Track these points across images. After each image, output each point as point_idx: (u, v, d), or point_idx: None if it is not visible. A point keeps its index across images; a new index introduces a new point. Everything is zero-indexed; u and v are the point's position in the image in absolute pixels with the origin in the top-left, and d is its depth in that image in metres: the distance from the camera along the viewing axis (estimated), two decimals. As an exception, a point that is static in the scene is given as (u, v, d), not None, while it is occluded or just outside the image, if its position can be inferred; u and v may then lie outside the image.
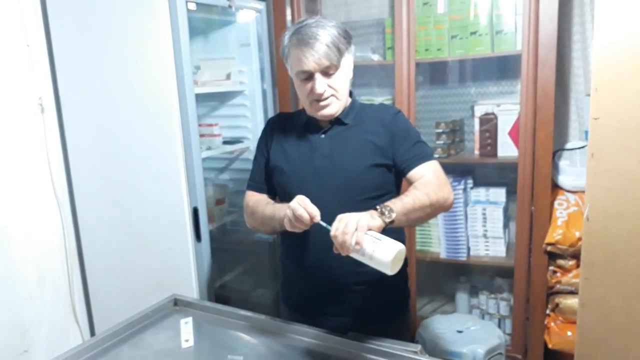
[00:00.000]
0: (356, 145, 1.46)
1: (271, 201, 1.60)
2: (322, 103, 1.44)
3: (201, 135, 2.28)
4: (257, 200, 1.59)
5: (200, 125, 2.31)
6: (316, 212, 1.28)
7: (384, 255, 1.14)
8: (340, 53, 1.41)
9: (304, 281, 1.54)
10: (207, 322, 1.57)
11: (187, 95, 1.87)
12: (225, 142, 2.35)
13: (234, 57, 2.38)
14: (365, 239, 1.16)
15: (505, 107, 2.32)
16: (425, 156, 1.45)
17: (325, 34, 1.38)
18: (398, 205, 1.27)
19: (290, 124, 1.59)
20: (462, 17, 2.31)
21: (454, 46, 2.34)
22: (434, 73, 2.60)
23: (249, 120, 2.43)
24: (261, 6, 2.35)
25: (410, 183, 1.44)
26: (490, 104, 2.38)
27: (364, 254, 1.17)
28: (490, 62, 2.46)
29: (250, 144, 2.42)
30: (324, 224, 1.26)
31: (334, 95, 1.44)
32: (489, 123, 2.33)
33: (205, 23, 2.38)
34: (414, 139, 1.47)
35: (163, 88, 1.86)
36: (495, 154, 2.32)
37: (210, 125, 2.33)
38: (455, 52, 2.34)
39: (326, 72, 1.41)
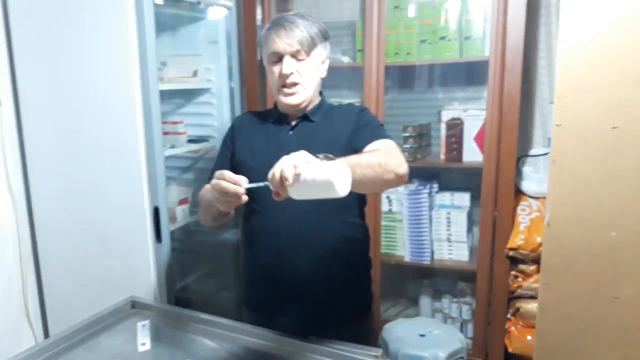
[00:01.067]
0: (323, 142, 1.45)
1: None
2: (288, 90, 1.46)
3: (165, 133, 2.23)
4: (204, 190, 1.56)
5: (164, 122, 2.25)
6: (239, 178, 1.18)
7: (327, 173, 1.04)
8: (313, 42, 1.45)
9: (264, 281, 1.51)
10: (165, 326, 1.52)
11: (151, 92, 1.82)
12: (190, 141, 2.31)
13: (201, 55, 2.34)
14: (304, 168, 1.06)
15: (472, 112, 2.35)
16: (382, 135, 1.42)
17: (302, 22, 1.44)
18: (341, 158, 1.18)
19: (259, 121, 1.59)
20: (432, 22, 2.32)
21: (423, 50, 2.35)
22: (403, 77, 2.61)
23: (215, 119, 2.39)
24: (231, 3, 2.32)
25: None
26: (457, 109, 2.40)
27: (305, 183, 1.05)
28: (458, 67, 2.49)
29: (216, 143, 2.38)
30: (255, 184, 1.17)
31: (300, 83, 1.46)
32: (455, 128, 2.35)
33: (173, 18, 2.34)
34: (374, 125, 1.47)
35: (126, 83, 1.81)
36: (460, 159, 2.34)
37: (175, 122, 2.28)
38: (424, 57, 2.35)
39: (295, 57, 1.44)
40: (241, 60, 2.45)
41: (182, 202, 2.22)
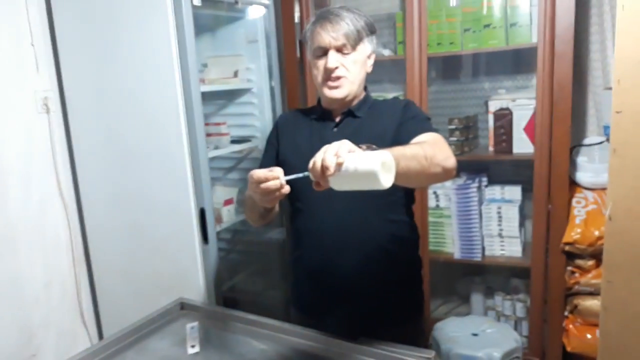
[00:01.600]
0: (368, 138, 1.41)
1: None
2: (332, 83, 1.43)
3: (208, 135, 2.25)
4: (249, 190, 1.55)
5: (207, 124, 2.27)
6: (276, 170, 1.15)
7: (370, 163, 0.98)
8: (359, 36, 1.42)
9: (313, 282, 1.49)
10: (213, 327, 1.53)
11: (193, 94, 1.83)
12: (233, 142, 2.31)
13: (241, 54, 2.34)
14: (346, 157, 1.00)
15: (521, 102, 2.25)
16: (428, 129, 1.37)
17: (348, 15, 1.42)
18: (385, 149, 1.11)
19: (302, 118, 1.57)
20: (475, 10, 2.24)
21: (466, 40, 2.27)
22: (447, 68, 2.53)
23: (256, 119, 2.39)
24: (268, 2, 2.30)
25: None
26: (504, 98, 2.31)
27: (347, 173, 1.00)
28: (504, 55, 2.39)
29: (259, 142, 2.37)
30: (294, 176, 1.13)
31: (345, 77, 1.43)
32: (504, 119, 2.26)
33: (212, 19, 2.34)
34: (420, 119, 1.43)
35: (168, 86, 1.82)
36: (510, 151, 2.25)
37: (218, 124, 2.29)
38: (468, 46, 2.28)
39: (341, 51, 1.41)
40: (281, 59, 2.43)
41: (227, 202, 2.23)
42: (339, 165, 1.00)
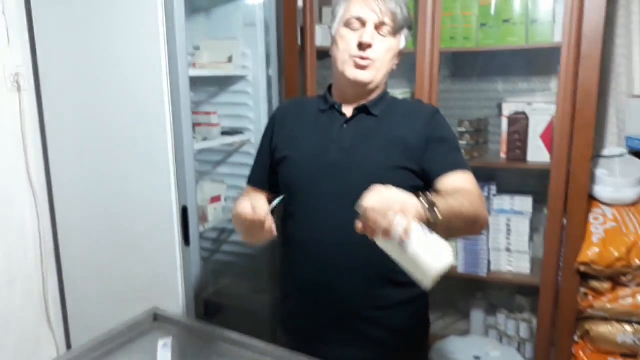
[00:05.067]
0: (383, 141, 1.24)
1: (252, 197, 1.38)
2: (361, 62, 1.24)
3: (197, 124, 2.06)
4: (238, 199, 1.38)
5: (196, 113, 2.09)
6: (259, 208, 1.06)
7: (435, 259, 0.86)
8: (402, 24, 1.27)
9: (305, 302, 1.31)
10: (190, 344, 1.34)
11: (180, 78, 1.63)
12: (224, 133, 2.11)
13: (236, 38, 2.14)
14: (414, 233, 0.87)
15: (538, 106, 2.08)
16: (462, 165, 1.24)
17: None
18: (442, 204, 0.99)
19: (306, 110, 1.38)
20: (492, 3, 2.06)
21: (483, 35, 2.09)
22: (458, 65, 2.35)
23: (251, 110, 2.19)
24: (269, -18, 2.10)
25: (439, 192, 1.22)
26: (520, 102, 2.13)
27: (404, 249, 0.87)
28: (521, 55, 2.22)
29: (252, 136, 2.18)
30: (275, 202, 1.06)
31: (374, 61, 1.25)
32: (519, 123, 2.08)
33: (207, -1, 2.15)
34: (451, 145, 1.26)
35: (153, 68, 1.63)
36: (524, 159, 2.08)
37: (208, 113, 2.10)
38: (483, 42, 2.09)
39: (379, 30, 1.25)
40: (280, 46, 2.23)
41: (214, 200, 2.03)
42: (402, 238, 0.86)
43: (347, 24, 1.26)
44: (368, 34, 1.23)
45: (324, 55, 2.28)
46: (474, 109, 2.37)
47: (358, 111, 1.30)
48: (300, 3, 2.17)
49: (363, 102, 1.30)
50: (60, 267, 1.98)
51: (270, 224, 1.08)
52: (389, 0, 1.24)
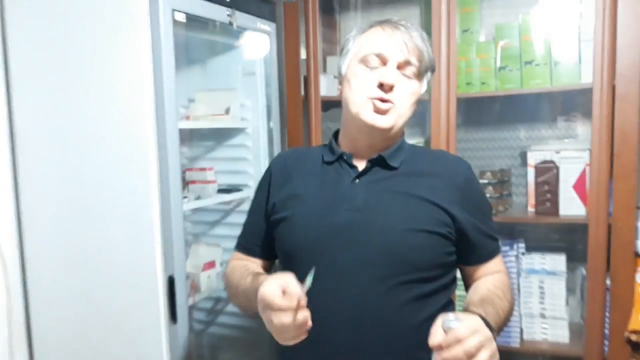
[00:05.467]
0: (406, 199, 1.03)
1: (255, 269, 1.16)
2: (382, 105, 1.05)
3: (191, 182, 1.88)
4: (234, 267, 1.17)
5: (190, 169, 1.91)
6: (292, 291, 0.87)
7: None
8: (426, 67, 1.10)
9: None
10: None
11: (168, 130, 1.45)
12: (221, 191, 1.92)
13: (235, 89, 1.97)
14: None
15: (567, 153, 1.87)
16: (498, 246, 1.15)
17: (419, 35, 1.09)
18: (496, 321, 0.97)
19: (308, 162, 1.18)
20: (511, 45, 1.90)
21: (503, 79, 1.91)
22: (474, 111, 2.16)
23: (250, 164, 2.00)
24: (270, 28, 1.96)
25: (469, 276, 1.15)
26: (546, 149, 1.92)
27: None
28: (543, 99, 2.04)
29: (252, 192, 1.97)
30: (309, 279, 0.85)
31: (396, 106, 1.07)
32: (549, 173, 1.87)
33: (202, 47, 2.00)
34: (487, 214, 1.12)
35: (137, 121, 1.44)
36: (556, 212, 1.85)
37: (203, 169, 1.91)
38: (504, 87, 1.92)
39: (402, 69, 1.07)
40: (282, 96, 2.07)
41: (208, 266, 1.80)
42: None
43: (364, 61, 1.08)
44: (391, 74, 1.05)
45: (329, 106, 2.12)
46: (493, 158, 2.18)
47: (373, 163, 1.10)
48: (302, 53, 2.03)
49: (378, 152, 1.11)
50: (31, 347, 1.73)
51: (306, 314, 0.86)
52: (411, 36, 1.07)
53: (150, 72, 1.43)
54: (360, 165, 1.11)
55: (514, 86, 1.90)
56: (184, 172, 1.89)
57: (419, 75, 1.08)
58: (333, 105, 2.22)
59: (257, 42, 1.95)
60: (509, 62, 1.90)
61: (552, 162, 1.88)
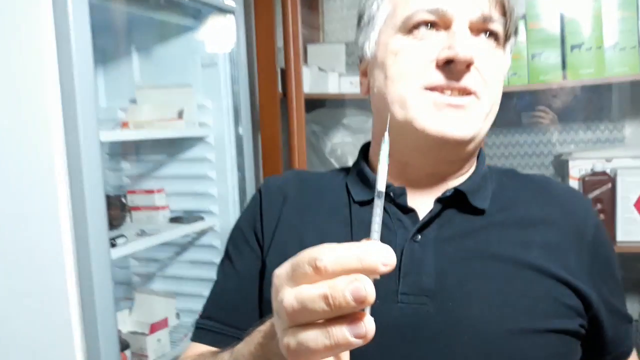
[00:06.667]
0: (511, 271, 0.60)
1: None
2: (454, 99, 0.59)
3: (134, 208, 1.42)
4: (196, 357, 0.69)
5: (133, 192, 1.45)
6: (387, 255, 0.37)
7: None
8: (513, 28, 0.64)
9: None
10: None
11: (82, 145, 0.98)
12: (174, 219, 1.45)
13: (190, 85, 1.50)
14: None
15: (622, 162, 1.47)
16: (631, 334, 0.70)
17: None
18: None
19: (328, 199, 0.70)
20: (545, 26, 1.49)
21: (536, 69, 1.50)
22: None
23: (214, 184, 1.53)
24: (235, 5, 1.49)
25: None
26: (596, 158, 1.51)
27: None
28: (585, 92, 1.63)
29: (216, 221, 1.51)
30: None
31: (477, 93, 0.60)
32: (601, 188, 1.45)
33: (149, 30, 1.53)
34: (621, 286, 0.68)
35: (37, 134, 0.98)
36: (612, 238, 1.44)
37: (151, 192, 1.45)
38: (539, 78, 1.50)
39: (477, 32, 0.61)
40: (253, 92, 1.62)
41: (157, 325, 1.33)
42: None
43: (407, 28, 0.62)
44: (464, 43, 0.58)
45: (314, 105, 1.68)
46: (517, 167, 1.75)
47: (444, 204, 0.64)
48: (279, 32, 1.58)
49: (445, 180, 0.66)
50: None
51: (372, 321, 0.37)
52: None
53: (55, 63, 0.96)
54: (421, 207, 0.65)
55: (551, 78, 1.49)
56: (124, 196, 1.43)
57: (506, 40, 0.64)
58: (319, 104, 1.78)
59: (220, 24, 1.49)
60: (542, 46, 1.49)
61: (604, 173, 1.46)
